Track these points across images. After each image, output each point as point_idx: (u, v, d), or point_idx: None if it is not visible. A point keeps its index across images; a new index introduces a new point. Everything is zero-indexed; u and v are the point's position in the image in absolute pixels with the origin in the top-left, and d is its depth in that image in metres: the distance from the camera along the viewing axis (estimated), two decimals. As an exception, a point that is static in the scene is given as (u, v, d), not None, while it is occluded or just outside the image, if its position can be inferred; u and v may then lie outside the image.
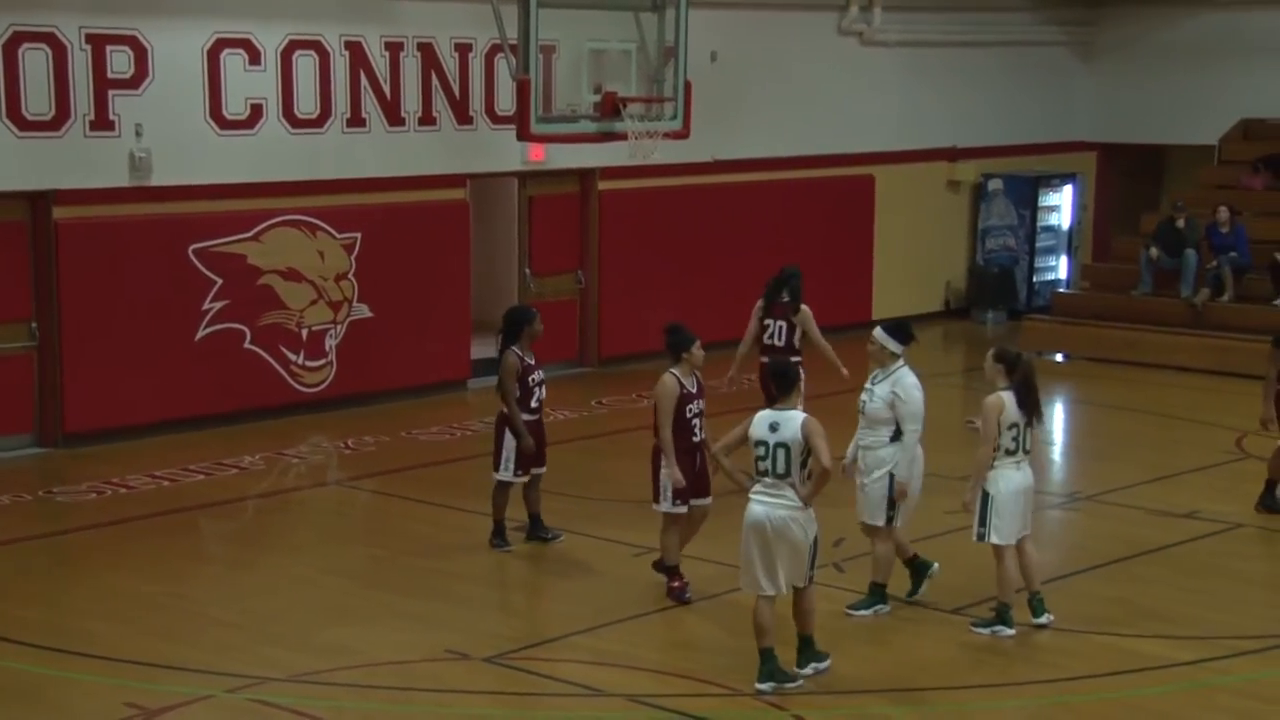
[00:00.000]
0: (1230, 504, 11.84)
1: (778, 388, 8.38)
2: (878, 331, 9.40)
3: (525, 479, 10.62)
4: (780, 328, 11.98)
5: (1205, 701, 8.16)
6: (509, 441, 10.47)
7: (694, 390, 9.58)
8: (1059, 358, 18.40)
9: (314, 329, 14.82)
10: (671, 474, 9.45)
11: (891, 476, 9.25)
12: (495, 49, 15.37)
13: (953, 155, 20.73)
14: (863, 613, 9.37)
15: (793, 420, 8.16)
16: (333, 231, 14.87)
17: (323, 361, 14.93)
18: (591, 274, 17.09)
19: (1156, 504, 11.87)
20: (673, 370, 9.57)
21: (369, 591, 9.93)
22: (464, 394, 15.96)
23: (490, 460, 10.72)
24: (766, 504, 8.19)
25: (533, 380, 10.48)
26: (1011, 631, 8.99)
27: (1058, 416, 15.64)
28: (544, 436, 10.71)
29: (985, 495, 8.97)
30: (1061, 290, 20.47)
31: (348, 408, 14.96)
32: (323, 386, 14.94)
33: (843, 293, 18.32)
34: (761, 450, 8.21)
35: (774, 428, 8.18)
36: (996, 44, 20.92)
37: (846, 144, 19.25)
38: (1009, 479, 8.95)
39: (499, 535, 10.73)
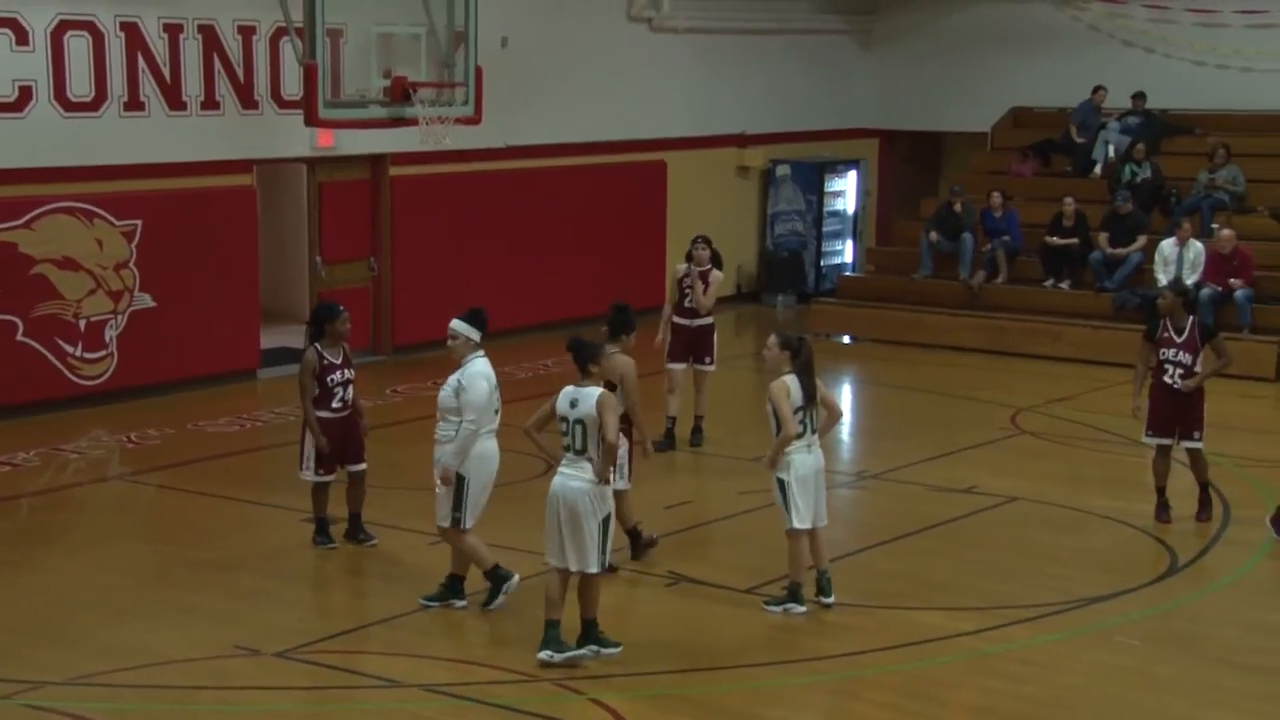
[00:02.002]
0: (1006, 478, 12.31)
1: (574, 361, 8.42)
2: (455, 323, 9.03)
3: (329, 478, 10.32)
4: None
5: (983, 668, 8.49)
6: (309, 440, 10.21)
7: None
8: (846, 339, 18.88)
9: (93, 319, 14.30)
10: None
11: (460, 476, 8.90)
12: (280, 32, 15.03)
13: (742, 141, 21.08)
14: (435, 604, 9.11)
15: (589, 396, 8.26)
16: (111, 219, 14.36)
17: (103, 353, 14.42)
18: (384, 261, 16.87)
19: (938, 480, 12.28)
20: (615, 350, 9.31)
21: (153, 589, 9.64)
22: (254, 384, 15.61)
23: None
24: (564, 476, 8.29)
25: (333, 380, 10.14)
26: (803, 609, 9.19)
27: (845, 397, 16.04)
28: (355, 435, 10.35)
29: (782, 483, 9.11)
30: (847, 274, 21.00)
31: (130, 400, 14.48)
32: (103, 379, 14.43)
33: (636, 278, 18.46)
34: (564, 426, 8.30)
35: (573, 404, 8.27)
36: (782, 31, 21.33)
37: (638, 130, 19.41)
38: (802, 462, 9.12)
39: (321, 532, 10.42)
